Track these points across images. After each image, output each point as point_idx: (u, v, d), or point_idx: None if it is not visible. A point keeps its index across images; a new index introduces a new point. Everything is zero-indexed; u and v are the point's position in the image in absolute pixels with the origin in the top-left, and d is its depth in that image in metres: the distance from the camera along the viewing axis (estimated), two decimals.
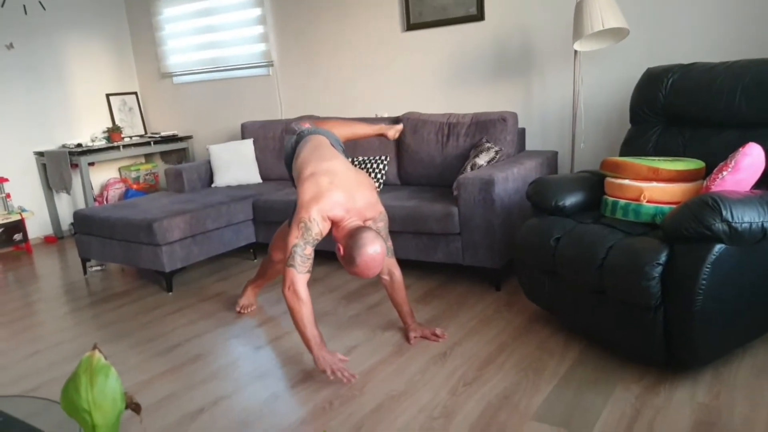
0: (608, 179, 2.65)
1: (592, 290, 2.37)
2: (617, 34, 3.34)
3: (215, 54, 5.44)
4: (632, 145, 2.99)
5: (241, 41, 5.25)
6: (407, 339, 2.73)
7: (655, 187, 2.45)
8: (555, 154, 3.82)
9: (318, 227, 2.36)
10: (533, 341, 2.65)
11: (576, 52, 3.47)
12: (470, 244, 3.24)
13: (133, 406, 0.94)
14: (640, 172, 2.49)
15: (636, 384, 2.23)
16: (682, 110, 2.85)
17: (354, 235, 2.29)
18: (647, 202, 2.45)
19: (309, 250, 2.37)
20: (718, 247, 2.05)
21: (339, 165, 2.52)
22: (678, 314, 2.10)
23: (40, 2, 5.38)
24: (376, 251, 2.25)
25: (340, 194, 2.39)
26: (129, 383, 2.56)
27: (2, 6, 5.12)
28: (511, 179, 3.23)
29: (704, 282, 2.03)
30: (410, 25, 4.33)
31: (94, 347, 0.86)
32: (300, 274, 2.35)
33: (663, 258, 2.12)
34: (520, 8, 3.90)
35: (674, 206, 2.36)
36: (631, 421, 2.00)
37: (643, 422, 1.99)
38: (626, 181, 2.52)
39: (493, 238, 3.16)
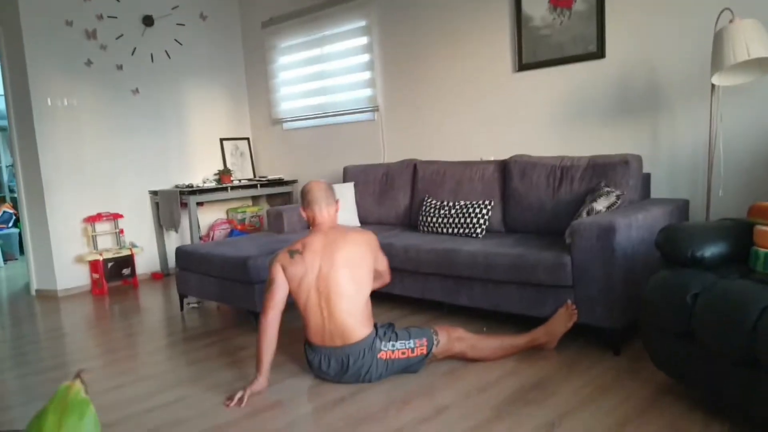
0: (758, 227, 2.21)
1: (741, 360, 1.92)
2: (765, 64, 2.91)
3: (323, 100, 5.47)
4: None
5: (349, 87, 5.25)
6: None
7: None
8: (686, 202, 3.36)
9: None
10: (663, 418, 2.20)
11: (714, 86, 3.07)
12: (585, 299, 2.85)
13: None
14: None
15: None
16: None
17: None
18: None
19: None
20: None
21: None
22: None
23: (166, 51, 5.68)
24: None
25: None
26: (203, 427, 2.38)
27: (132, 55, 5.44)
28: (635, 226, 2.84)
29: None
30: (522, 65, 4.09)
31: (77, 375, 0.65)
32: None
33: None
34: (647, 42, 3.55)
35: None
36: None
37: None
38: None
39: (613, 294, 2.76)
